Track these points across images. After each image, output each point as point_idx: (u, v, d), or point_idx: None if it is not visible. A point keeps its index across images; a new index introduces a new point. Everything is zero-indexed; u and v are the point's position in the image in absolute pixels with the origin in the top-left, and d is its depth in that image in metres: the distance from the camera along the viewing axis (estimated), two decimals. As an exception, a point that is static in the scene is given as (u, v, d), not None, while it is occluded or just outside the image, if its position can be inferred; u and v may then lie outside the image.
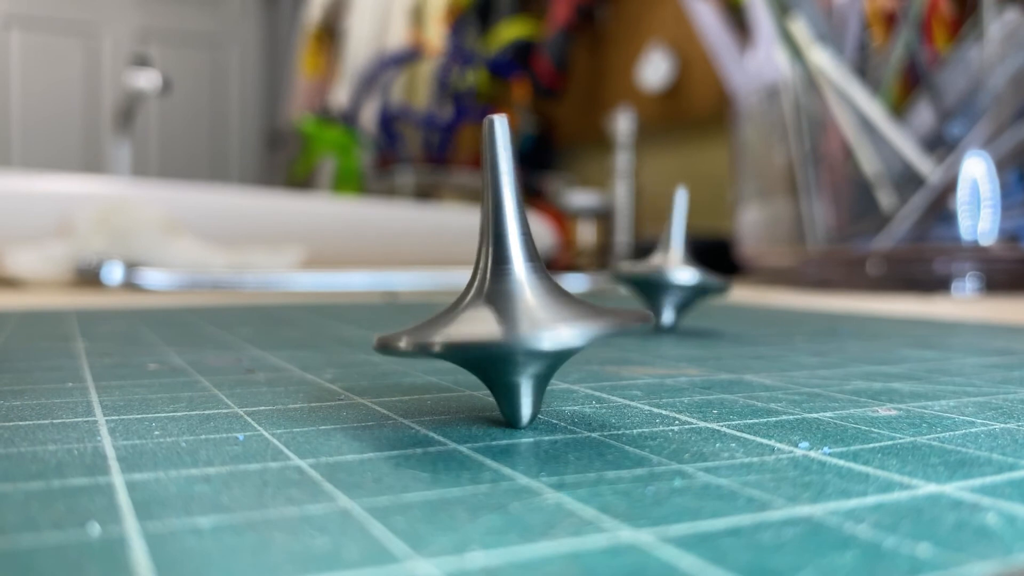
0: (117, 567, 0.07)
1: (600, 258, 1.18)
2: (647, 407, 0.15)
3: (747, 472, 0.10)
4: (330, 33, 1.77)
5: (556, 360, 0.12)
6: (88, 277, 0.56)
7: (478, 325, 0.12)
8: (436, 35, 1.53)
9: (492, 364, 0.12)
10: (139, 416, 0.13)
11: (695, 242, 0.85)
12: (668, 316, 0.28)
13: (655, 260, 0.28)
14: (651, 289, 0.28)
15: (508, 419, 0.13)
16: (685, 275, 0.27)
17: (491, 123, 0.12)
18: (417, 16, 1.61)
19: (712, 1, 0.75)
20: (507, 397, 0.13)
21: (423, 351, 0.12)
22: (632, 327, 0.12)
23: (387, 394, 0.16)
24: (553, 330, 0.11)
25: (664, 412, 0.14)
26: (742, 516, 0.08)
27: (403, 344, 0.12)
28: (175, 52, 1.98)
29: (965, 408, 0.15)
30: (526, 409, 0.13)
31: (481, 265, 0.13)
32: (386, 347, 0.12)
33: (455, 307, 0.13)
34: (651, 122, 1.20)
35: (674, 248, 0.28)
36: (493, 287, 0.12)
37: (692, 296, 0.28)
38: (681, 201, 0.28)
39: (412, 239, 0.80)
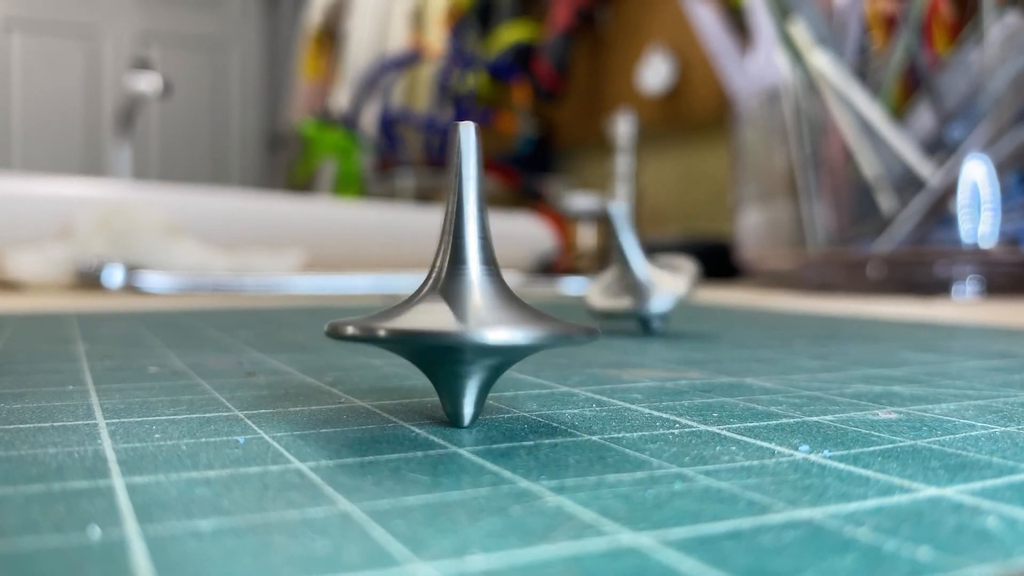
0: (118, 570, 0.07)
1: (600, 261, 1.18)
2: (647, 410, 0.15)
3: (747, 475, 0.10)
4: (331, 36, 1.77)
5: (501, 360, 0.13)
6: (89, 280, 0.56)
7: (426, 317, 0.12)
8: (436, 38, 1.53)
9: (437, 356, 0.12)
10: (139, 419, 0.13)
11: (695, 245, 0.84)
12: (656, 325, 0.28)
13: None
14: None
15: (450, 417, 0.13)
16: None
17: (459, 129, 0.13)
18: (418, 19, 1.61)
19: (712, 4, 0.75)
20: (450, 394, 0.13)
21: (369, 337, 0.12)
22: (578, 337, 0.12)
23: (387, 397, 0.16)
24: (499, 328, 0.12)
25: (664, 415, 0.14)
26: (743, 519, 0.08)
27: (350, 330, 0.12)
28: (176, 55, 1.98)
29: (965, 411, 0.15)
30: (468, 408, 0.13)
31: (437, 263, 0.13)
32: (335, 332, 0.12)
33: (408, 301, 0.13)
34: (651, 125, 1.20)
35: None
36: (447, 285, 0.13)
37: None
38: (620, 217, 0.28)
39: (412, 242, 0.80)
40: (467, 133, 0.13)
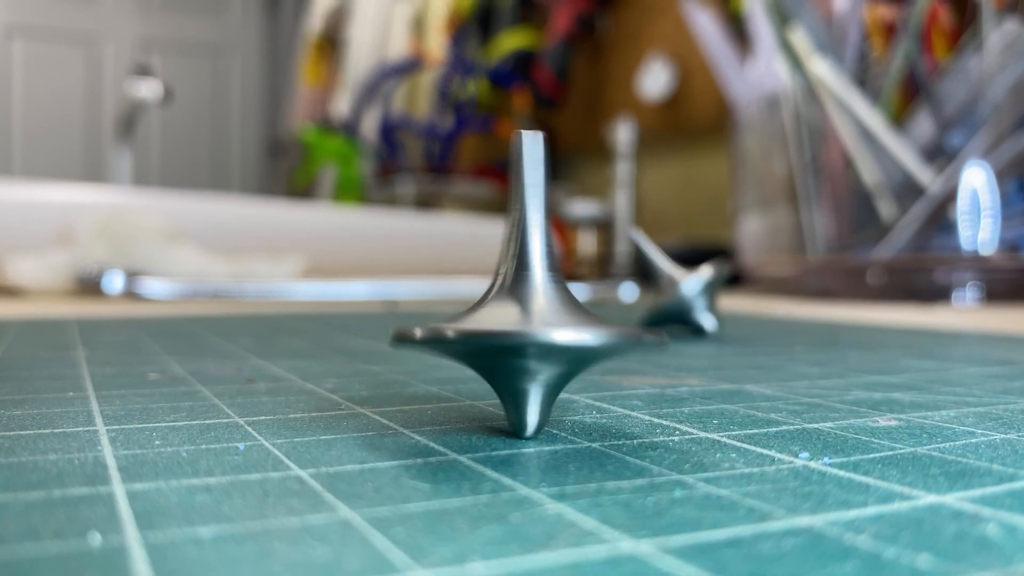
0: (118, 577, 0.07)
1: (600, 267, 1.18)
2: (648, 417, 0.15)
3: (748, 482, 0.10)
4: (331, 42, 1.77)
5: (567, 365, 0.12)
6: (89, 286, 0.56)
7: (493, 318, 0.12)
8: (437, 45, 1.54)
9: (503, 360, 0.12)
10: (140, 426, 0.13)
11: (696, 251, 0.84)
12: (710, 322, 0.30)
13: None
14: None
15: (514, 427, 0.13)
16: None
17: (523, 138, 0.13)
18: (418, 26, 1.61)
19: (712, 11, 0.75)
20: (515, 402, 0.13)
21: (437, 341, 0.12)
22: (645, 342, 0.12)
23: (388, 404, 0.16)
24: (566, 328, 0.11)
25: (665, 422, 0.14)
26: (743, 527, 0.08)
27: (418, 334, 0.12)
28: (176, 61, 1.99)
29: (965, 418, 0.15)
30: (532, 417, 0.13)
31: (502, 270, 0.13)
32: (402, 337, 0.12)
33: (474, 307, 0.13)
34: (651, 132, 1.20)
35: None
36: (512, 290, 0.13)
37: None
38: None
39: (413, 248, 0.81)
40: (532, 142, 0.13)
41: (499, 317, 0.12)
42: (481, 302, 0.13)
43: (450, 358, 0.13)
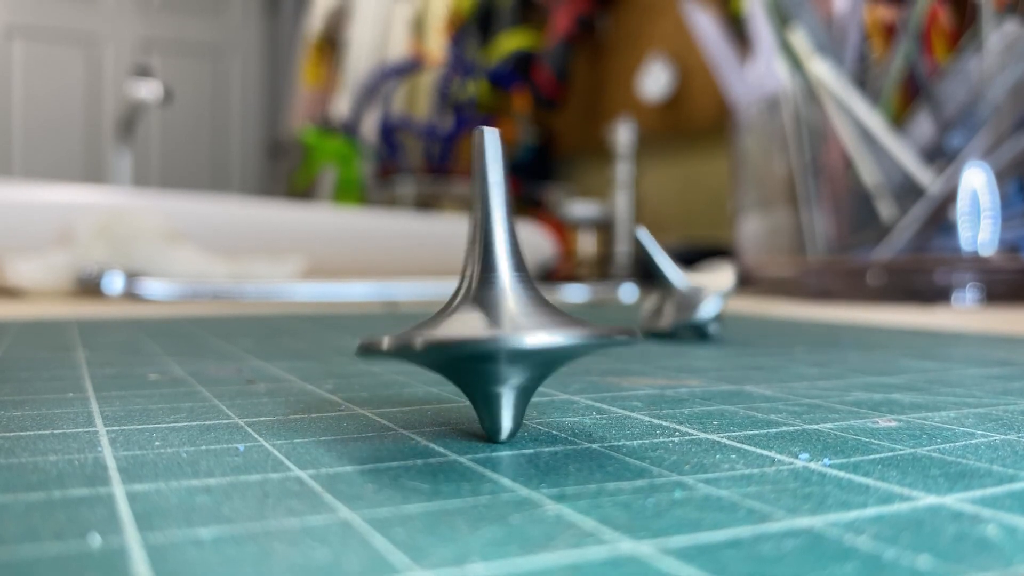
0: (118, 578, 0.07)
1: (600, 268, 1.18)
2: (647, 418, 0.15)
3: (748, 483, 0.10)
4: (331, 43, 1.77)
5: (539, 367, 0.12)
6: (89, 287, 0.56)
7: (461, 326, 0.12)
8: (437, 46, 1.54)
9: (474, 366, 0.12)
10: (140, 426, 0.13)
11: (695, 252, 0.84)
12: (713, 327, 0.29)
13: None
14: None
15: (488, 432, 0.13)
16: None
17: (481, 134, 0.13)
18: (418, 27, 1.61)
19: (712, 12, 0.75)
20: (487, 407, 0.12)
21: (404, 351, 0.12)
22: (616, 339, 0.12)
23: (388, 405, 0.16)
24: (536, 332, 0.11)
25: (665, 423, 0.14)
26: (742, 528, 0.08)
27: (385, 345, 0.12)
28: (176, 62, 1.99)
29: (965, 419, 0.15)
30: (506, 421, 0.12)
31: (468, 273, 0.13)
32: (368, 349, 0.12)
33: (440, 313, 0.13)
34: (651, 132, 1.20)
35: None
36: (479, 294, 0.12)
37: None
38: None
39: (413, 249, 0.81)
40: (491, 139, 0.13)
41: (468, 323, 0.12)
42: (448, 307, 0.13)
43: (421, 367, 0.13)
